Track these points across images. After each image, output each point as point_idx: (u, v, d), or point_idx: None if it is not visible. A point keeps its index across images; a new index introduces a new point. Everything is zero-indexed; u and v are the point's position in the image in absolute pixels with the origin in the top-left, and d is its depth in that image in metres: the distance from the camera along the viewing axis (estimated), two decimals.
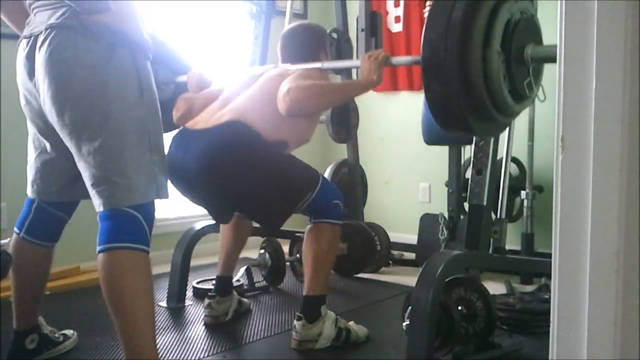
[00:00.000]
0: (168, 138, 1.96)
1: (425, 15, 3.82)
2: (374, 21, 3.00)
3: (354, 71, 3.25)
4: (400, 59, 1.97)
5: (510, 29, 1.70)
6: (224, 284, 2.47)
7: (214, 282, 2.56)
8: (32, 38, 1.64)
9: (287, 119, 2.04)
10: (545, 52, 1.74)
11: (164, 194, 1.71)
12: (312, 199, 2.08)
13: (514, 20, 1.71)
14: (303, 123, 2.16)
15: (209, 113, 2.14)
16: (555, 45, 0.93)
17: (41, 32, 1.61)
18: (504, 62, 1.69)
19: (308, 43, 2.32)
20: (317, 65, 2.17)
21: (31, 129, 1.82)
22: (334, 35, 3.23)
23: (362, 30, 2.97)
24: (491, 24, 1.67)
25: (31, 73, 1.66)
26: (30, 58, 1.65)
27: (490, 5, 1.68)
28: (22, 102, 1.77)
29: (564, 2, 0.90)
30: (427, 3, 3.85)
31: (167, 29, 3.63)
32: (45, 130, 1.74)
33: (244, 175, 1.99)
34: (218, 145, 1.99)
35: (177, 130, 2.23)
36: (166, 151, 1.79)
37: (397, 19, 4.02)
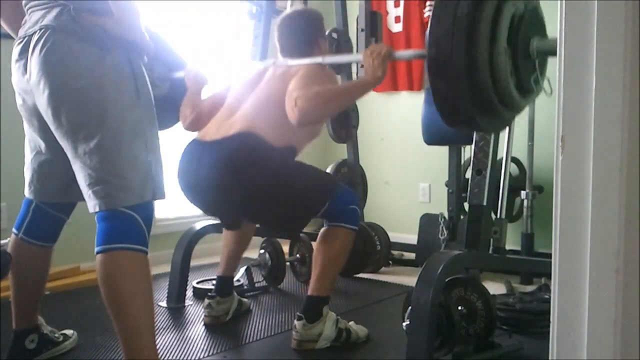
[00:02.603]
0: (164, 135, 1.95)
1: (426, 15, 3.84)
2: (374, 21, 3.00)
3: (353, 66, 3.25)
4: (404, 53, 1.92)
5: (516, 23, 1.69)
6: (224, 284, 2.47)
7: (214, 282, 2.56)
8: (27, 38, 1.64)
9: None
10: (550, 45, 1.72)
11: (160, 195, 1.70)
12: (331, 205, 2.08)
13: (518, 14, 1.70)
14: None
15: (217, 122, 2.13)
16: None
17: (35, 32, 1.61)
18: (510, 57, 1.68)
19: (305, 29, 2.29)
20: (318, 60, 2.14)
21: (27, 129, 1.82)
22: (334, 35, 3.23)
23: (362, 30, 2.97)
24: (497, 19, 1.65)
25: (25, 73, 1.65)
26: (25, 58, 1.64)
27: (495, 0, 1.67)
28: (19, 102, 1.77)
29: (564, 2, 0.90)
30: (427, 3, 3.85)
31: (166, 28, 3.63)
32: (41, 130, 1.74)
33: (260, 188, 1.97)
34: (231, 158, 1.97)
35: (181, 134, 2.22)
36: (163, 153, 1.79)
37: (397, 19, 4.02)
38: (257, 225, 2.61)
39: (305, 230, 2.41)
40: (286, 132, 2.03)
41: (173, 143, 2.54)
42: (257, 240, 3.06)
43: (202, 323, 2.41)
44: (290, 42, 2.28)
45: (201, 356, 2.07)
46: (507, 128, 2.14)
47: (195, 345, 2.18)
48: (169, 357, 2.06)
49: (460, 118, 1.76)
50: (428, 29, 1.69)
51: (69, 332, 2.14)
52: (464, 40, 1.62)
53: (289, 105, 1.95)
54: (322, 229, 2.16)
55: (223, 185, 2.00)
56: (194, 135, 2.20)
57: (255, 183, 1.96)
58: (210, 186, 2.02)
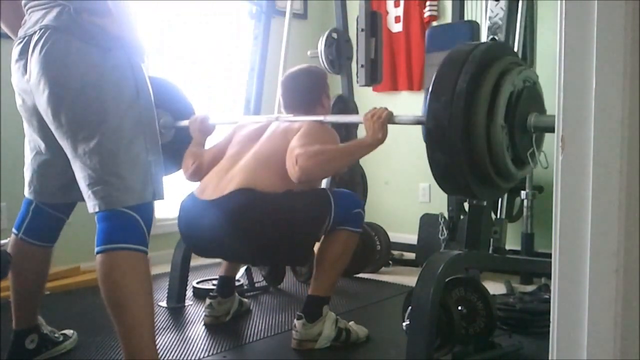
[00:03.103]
0: (167, 179, 1.98)
1: (426, 15, 3.84)
2: (374, 21, 3.01)
3: (353, 66, 3.25)
4: (404, 118, 1.99)
5: (514, 99, 1.72)
6: (226, 284, 2.47)
7: (214, 282, 2.56)
8: (27, 38, 1.64)
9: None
10: (546, 121, 1.75)
11: (160, 195, 1.70)
12: (334, 218, 2.09)
13: (517, 91, 1.73)
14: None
15: (216, 176, 2.13)
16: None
17: (35, 32, 1.61)
18: (507, 133, 1.71)
19: (309, 88, 2.32)
20: (320, 118, 2.17)
21: (27, 129, 1.82)
22: (334, 35, 3.23)
23: (362, 30, 2.98)
24: (495, 97, 1.69)
25: (25, 73, 1.65)
26: (25, 58, 1.64)
27: (495, 77, 1.70)
28: (18, 102, 1.77)
29: (564, 2, 0.90)
30: (428, 3, 3.85)
31: (166, 30, 3.63)
32: (41, 131, 1.74)
33: (262, 239, 1.99)
34: (228, 217, 1.97)
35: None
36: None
37: (397, 19, 4.02)
38: None
39: None
40: (285, 187, 2.03)
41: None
42: None
43: (202, 323, 2.42)
44: (294, 100, 2.31)
45: (201, 356, 2.07)
46: None
47: (195, 345, 2.18)
48: (169, 357, 2.06)
49: (457, 187, 1.81)
50: (427, 99, 1.72)
51: (69, 332, 2.14)
52: (461, 114, 1.65)
53: (290, 162, 1.97)
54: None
55: (226, 244, 2.04)
56: (192, 187, 2.23)
57: (257, 236, 1.98)
58: (214, 244, 2.09)
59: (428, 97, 1.72)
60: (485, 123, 1.67)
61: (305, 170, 1.94)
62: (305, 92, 2.31)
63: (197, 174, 2.26)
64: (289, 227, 2.00)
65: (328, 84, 2.41)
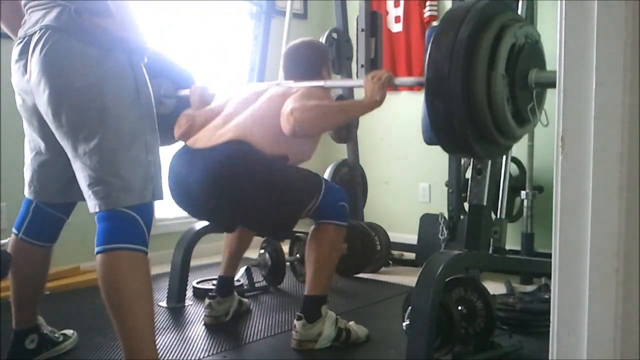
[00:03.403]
0: (167, 152, 1.96)
1: (426, 15, 3.84)
2: (374, 21, 3.00)
3: (353, 65, 3.25)
4: (404, 80, 2.00)
5: (515, 52, 1.71)
6: (226, 284, 2.47)
7: (214, 282, 2.56)
8: (27, 38, 1.64)
9: (288, 139, 2.03)
10: (548, 77, 1.74)
11: (159, 195, 1.70)
12: (317, 205, 2.08)
13: (518, 45, 1.72)
14: (305, 143, 2.16)
15: (209, 131, 2.13)
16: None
17: (35, 33, 1.61)
18: (507, 84, 1.70)
19: (310, 60, 2.32)
20: (320, 83, 2.17)
21: (27, 129, 1.82)
22: (334, 35, 3.23)
23: (362, 30, 2.98)
24: (496, 47, 1.68)
25: (25, 73, 1.65)
26: (25, 59, 1.64)
27: (496, 29, 1.69)
28: (18, 102, 1.77)
29: (564, 2, 0.90)
30: (428, 3, 3.85)
31: (166, 30, 3.63)
32: (41, 131, 1.74)
33: (248, 193, 1.98)
34: (220, 165, 1.98)
35: (176, 146, 2.22)
36: (164, 164, 1.79)
37: (397, 19, 4.02)
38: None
39: (305, 230, 2.41)
40: (277, 146, 2.04)
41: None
42: (257, 240, 3.06)
43: (202, 323, 2.41)
44: (295, 69, 2.31)
45: (201, 356, 2.07)
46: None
47: (195, 345, 2.18)
48: (169, 357, 2.06)
49: (456, 143, 1.79)
50: (427, 52, 1.71)
51: (69, 332, 2.14)
52: (462, 63, 1.64)
53: (284, 116, 1.97)
54: (312, 227, 2.16)
55: (212, 191, 2.00)
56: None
57: (243, 187, 1.97)
58: (199, 192, 2.03)
59: (429, 48, 1.70)
60: (486, 72, 1.66)
61: (299, 121, 1.94)
62: (306, 63, 2.31)
63: (189, 134, 2.23)
64: (277, 189, 2.00)
65: (330, 59, 2.40)
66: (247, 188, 1.97)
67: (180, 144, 2.26)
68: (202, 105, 2.36)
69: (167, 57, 2.58)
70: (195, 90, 2.38)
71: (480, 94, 1.66)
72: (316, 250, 2.12)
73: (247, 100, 2.24)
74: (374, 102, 1.98)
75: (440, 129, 1.75)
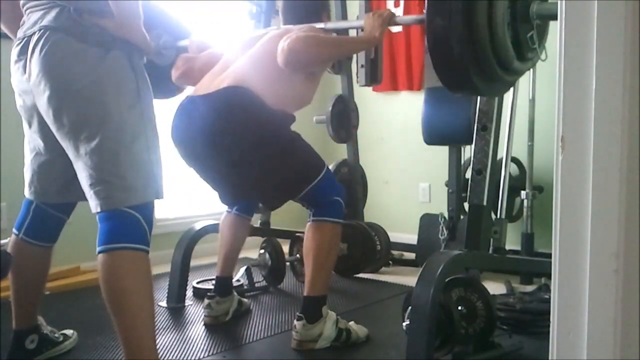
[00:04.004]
0: (171, 105, 1.91)
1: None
2: None
3: (353, 65, 3.25)
4: (405, 18, 1.96)
5: None
6: (223, 284, 2.47)
7: (213, 282, 2.56)
8: (26, 39, 1.64)
9: (286, 78, 1.99)
10: (549, 9, 1.72)
11: (161, 194, 1.71)
12: (316, 186, 2.06)
13: None
14: (303, 82, 2.09)
15: (209, 77, 2.09)
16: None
17: (34, 33, 1.61)
18: (509, 8, 1.67)
19: (310, 3, 2.28)
20: (321, 25, 2.14)
21: (27, 130, 1.82)
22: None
23: (362, 30, 2.97)
24: None
25: (25, 73, 1.65)
26: (24, 59, 1.64)
27: None
28: (19, 102, 1.77)
29: (564, 2, 0.90)
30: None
31: None
32: (41, 131, 1.74)
33: (248, 139, 1.95)
34: (220, 111, 1.95)
35: (178, 98, 2.18)
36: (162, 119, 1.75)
37: None
38: (257, 226, 2.60)
39: (304, 230, 2.41)
40: (275, 87, 1.99)
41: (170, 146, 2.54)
42: (257, 240, 3.06)
43: (202, 323, 2.42)
44: (295, 14, 2.28)
45: (201, 356, 2.07)
46: (508, 127, 2.14)
47: (195, 345, 2.18)
48: (169, 357, 2.06)
49: (458, 80, 1.75)
50: None
51: (69, 332, 2.14)
52: None
53: (280, 47, 1.93)
54: (308, 225, 2.14)
55: (213, 137, 1.97)
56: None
57: (242, 132, 1.94)
58: (201, 139, 1.99)
59: None
60: (486, 4, 1.63)
61: (293, 50, 1.90)
62: (306, 8, 2.28)
63: (187, 76, 2.21)
64: (279, 149, 1.97)
65: (329, 7, 2.37)
66: (246, 132, 1.94)
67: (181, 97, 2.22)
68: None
69: (166, 9, 2.55)
70: (194, 41, 2.34)
71: (482, 28, 1.63)
72: (314, 250, 2.10)
73: (246, 44, 2.20)
74: (372, 38, 1.94)
75: (438, 48, 1.68)
